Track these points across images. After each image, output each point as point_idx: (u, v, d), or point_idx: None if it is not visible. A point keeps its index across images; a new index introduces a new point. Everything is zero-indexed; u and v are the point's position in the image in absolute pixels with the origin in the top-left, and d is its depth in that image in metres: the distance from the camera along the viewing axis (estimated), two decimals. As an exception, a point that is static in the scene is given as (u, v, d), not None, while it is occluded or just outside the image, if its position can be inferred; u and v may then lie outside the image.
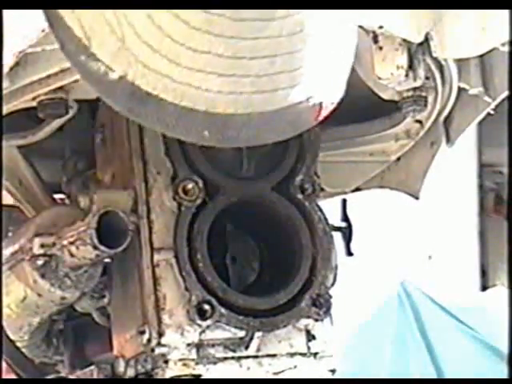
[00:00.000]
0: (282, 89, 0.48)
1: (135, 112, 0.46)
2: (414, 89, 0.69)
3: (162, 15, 0.45)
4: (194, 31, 0.45)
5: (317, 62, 0.49)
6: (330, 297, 0.68)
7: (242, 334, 0.67)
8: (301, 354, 0.69)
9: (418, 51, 0.65)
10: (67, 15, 0.45)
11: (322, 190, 0.72)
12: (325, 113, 0.51)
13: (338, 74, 0.52)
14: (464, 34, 0.63)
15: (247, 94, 0.47)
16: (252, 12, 0.46)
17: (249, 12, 0.46)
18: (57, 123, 0.75)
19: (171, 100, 0.46)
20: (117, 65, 0.45)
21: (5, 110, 0.66)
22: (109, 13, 0.45)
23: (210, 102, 0.47)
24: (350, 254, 0.92)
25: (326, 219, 0.69)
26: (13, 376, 0.84)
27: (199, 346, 0.66)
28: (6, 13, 0.50)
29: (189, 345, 0.66)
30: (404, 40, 0.64)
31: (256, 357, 0.68)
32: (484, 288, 4.52)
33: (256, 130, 0.49)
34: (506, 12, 0.60)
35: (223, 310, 0.64)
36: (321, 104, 0.50)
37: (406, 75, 0.65)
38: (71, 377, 0.82)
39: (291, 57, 0.48)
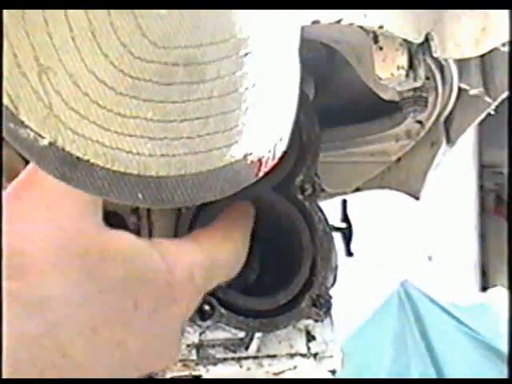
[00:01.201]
0: (217, 149, 0.48)
1: (67, 177, 0.46)
2: (415, 89, 0.69)
3: (89, 82, 0.45)
4: (121, 97, 0.45)
5: (255, 118, 0.49)
6: (330, 297, 0.68)
7: (242, 334, 0.67)
8: (301, 355, 0.69)
9: (418, 51, 0.65)
10: None
11: (323, 190, 0.72)
12: (265, 168, 0.51)
13: (279, 128, 0.52)
14: (464, 34, 0.63)
15: (180, 156, 0.47)
16: (180, 76, 0.46)
17: (177, 76, 0.45)
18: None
19: (102, 165, 0.46)
20: (46, 131, 0.45)
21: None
22: (35, 81, 0.45)
23: (142, 165, 0.46)
24: (350, 254, 0.92)
25: (326, 219, 0.69)
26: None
27: (199, 346, 0.66)
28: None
29: (189, 345, 0.66)
30: (404, 40, 0.64)
31: (256, 357, 0.68)
32: (484, 288, 4.53)
33: (191, 191, 0.48)
34: (506, 12, 0.60)
35: (223, 311, 0.64)
36: (260, 160, 0.50)
37: (407, 75, 0.65)
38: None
39: (225, 117, 0.48)
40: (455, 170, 4.15)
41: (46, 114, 0.45)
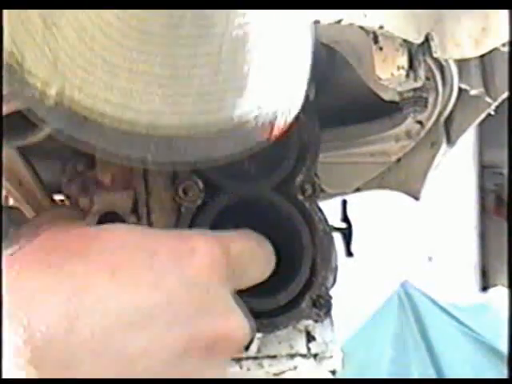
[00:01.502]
0: (227, 108, 0.47)
1: (75, 137, 0.45)
2: (415, 89, 0.69)
3: (95, 35, 0.44)
4: (129, 52, 0.44)
5: (265, 79, 0.48)
6: (331, 298, 0.68)
7: (242, 334, 0.67)
8: (301, 355, 0.69)
9: (418, 52, 0.65)
10: None
11: (322, 190, 0.72)
12: (277, 131, 0.50)
13: (291, 91, 0.51)
14: (464, 34, 0.63)
15: (189, 115, 0.46)
16: (188, 29, 0.45)
17: (184, 29, 0.45)
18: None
19: (109, 124, 0.44)
20: (51, 90, 0.44)
21: (5, 110, 0.66)
22: (40, 37, 0.44)
23: (151, 125, 0.45)
24: (350, 254, 0.92)
25: (326, 220, 0.69)
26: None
27: (199, 346, 0.66)
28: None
29: (189, 346, 0.66)
30: (404, 40, 0.64)
31: (256, 358, 0.68)
32: (484, 288, 4.53)
33: (201, 151, 0.48)
34: (506, 12, 0.60)
35: (223, 311, 0.64)
36: (271, 123, 0.49)
37: (407, 76, 0.65)
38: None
39: (234, 75, 0.47)
40: (455, 170, 4.15)
41: (52, 72, 0.43)
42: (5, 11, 0.43)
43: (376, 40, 0.65)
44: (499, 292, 3.69)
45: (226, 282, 0.51)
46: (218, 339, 0.48)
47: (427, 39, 0.64)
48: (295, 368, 0.69)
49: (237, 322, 0.50)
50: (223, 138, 0.48)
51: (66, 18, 0.43)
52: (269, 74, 0.48)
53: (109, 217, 0.65)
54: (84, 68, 0.44)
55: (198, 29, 0.45)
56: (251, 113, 0.48)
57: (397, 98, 0.73)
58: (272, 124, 0.49)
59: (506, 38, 0.61)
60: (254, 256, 0.56)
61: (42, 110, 0.44)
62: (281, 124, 0.50)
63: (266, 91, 0.49)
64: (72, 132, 0.44)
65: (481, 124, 0.84)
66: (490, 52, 0.64)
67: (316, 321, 0.68)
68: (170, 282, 0.46)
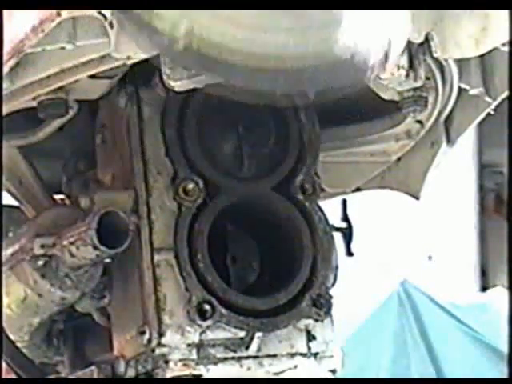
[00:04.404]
0: (343, 38, 0.50)
1: (206, 77, 0.49)
2: (415, 89, 0.69)
3: None
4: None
5: (375, 14, 0.52)
6: (331, 297, 0.68)
7: (242, 334, 0.67)
8: (301, 355, 0.69)
9: (418, 51, 0.65)
10: None
11: (323, 190, 0.72)
12: (392, 60, 0.54)
13: (396, 29, 0.55)
14: (464, 34, 0.63)
15: (312, 45, 0.49)
16: None
17: None
18: (57, 123, 0.75)
19: (239, 62, 0.48)
20: (180, 31, 0.47)
21: (5, 110, 0.66)
22: None
23: (279, 57, 0.49)
24: (350, 254, 0.92)
25: (326, 219, 0.69)
26: (13, 376, 0.84)
27: (200, 346, 0.66)
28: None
29: (189, 345, 0.66)
30: (404, 40, 0.64)
31: (256, 357, 0.68)
32: (484, 288, 4.52)
33: (323, 81, 0.51)
34: (506, 12, 0.60)
35: (223, 311, 0.64)
36: (386, 52, 0.53)
37: (407, 75, 0.65)
38: (71, 377, 0.82)
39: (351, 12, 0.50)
40: (455, 169, 4.14)
41: (180, 12, 0.46)
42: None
43: (376, 39, 0.65)
44: (499, 292, 3.68)
45: None
46: None
47: (427, 39, 0.64)
48: (295, 367, 0.69)
49: None
50: (342, 68, 0.50)
51: None
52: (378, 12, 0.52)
53: (109, 216, 0.65)
54: (209, 12, 0.47)
55: None
56: (364, 43, 0.51)
57: (397, 98, 0.73)
58: (383, 57, 0.53)
59: (506, 38, 0.61)
60: None
61: (172, 55, 0.47)
62: (388, 59, 0.53)
63: (376, 24, 0.52)
64: (205, 73, 0.48)
65: (480, 123, 0.84)
66: (490, 52, 0.64)
67: (316, 320, 0.68)
68: None
